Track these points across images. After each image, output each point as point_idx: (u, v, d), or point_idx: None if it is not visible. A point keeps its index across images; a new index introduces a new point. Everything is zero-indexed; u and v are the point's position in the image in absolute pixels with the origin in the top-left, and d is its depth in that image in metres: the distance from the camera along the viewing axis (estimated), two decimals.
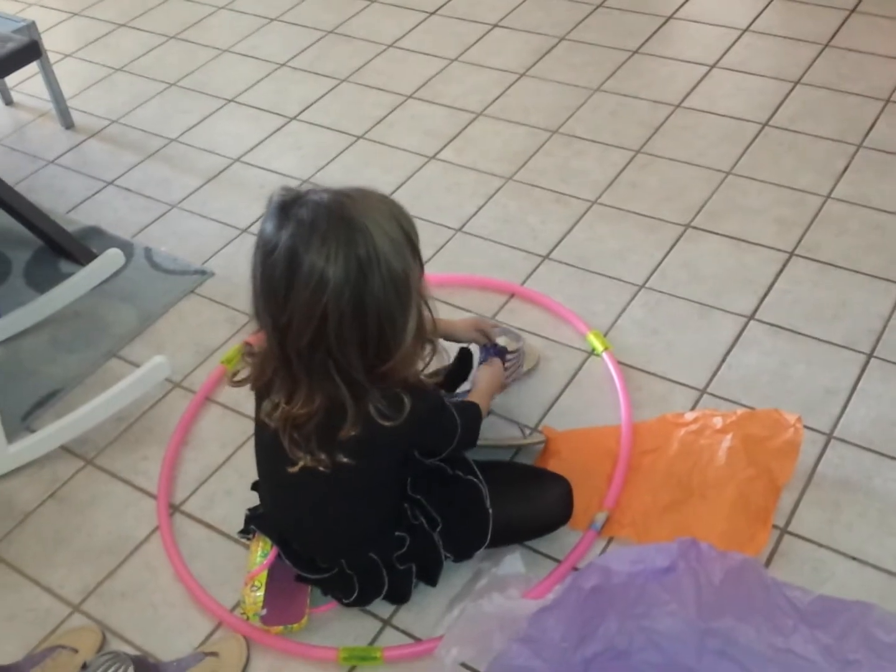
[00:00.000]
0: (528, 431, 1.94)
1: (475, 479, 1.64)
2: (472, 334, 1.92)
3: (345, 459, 1.43)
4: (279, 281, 1.29)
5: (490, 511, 1.63)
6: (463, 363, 1.91)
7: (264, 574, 1.60)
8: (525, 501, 1.70)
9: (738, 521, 1.72)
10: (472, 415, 1.70)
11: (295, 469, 1.44)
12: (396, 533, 1.62)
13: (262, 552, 1.63)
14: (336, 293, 1.26)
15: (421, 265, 1.40)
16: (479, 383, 1.83)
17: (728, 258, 2.29)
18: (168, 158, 2.85)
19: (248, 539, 1.72)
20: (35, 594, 1.79)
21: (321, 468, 1.43)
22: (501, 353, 1.92)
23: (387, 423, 1.38)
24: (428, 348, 1.46)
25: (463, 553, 1.68)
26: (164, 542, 1.82)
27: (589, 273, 2.29)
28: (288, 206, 1.30)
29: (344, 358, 1.32)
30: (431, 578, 1.67)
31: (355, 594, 1.62)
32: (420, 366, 1.46)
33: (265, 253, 1.30)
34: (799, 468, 1.79)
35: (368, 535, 1.62)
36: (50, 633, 1.72)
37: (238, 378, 1.50)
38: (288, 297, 1.29)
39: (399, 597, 1.67)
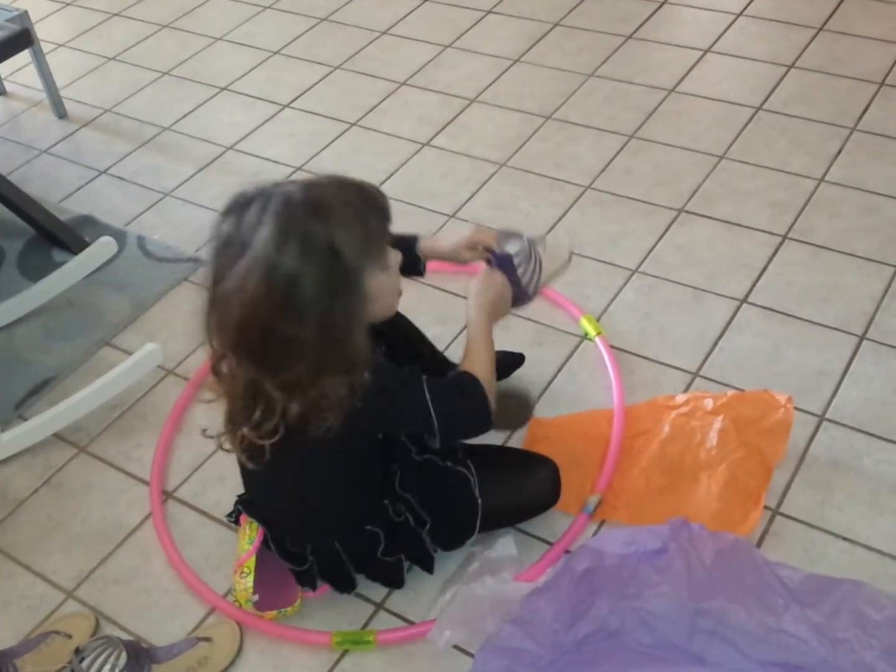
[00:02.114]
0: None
1: (464, 469, 1.64)
2: (465, 254, 1.67)
3: (275, 458, 1.43)
4: (220, 279, 1.32)
5: (479, 501, 1.63)
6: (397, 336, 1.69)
7: (252, 560, 1.60)
8: (512, 486, 1.70)
9: (730, 501, 1.72)
10: (466, 393, 1.51)
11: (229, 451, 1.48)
12: (367, 527, 1.61)
13: (248, 539, 1.62)
14: (254, 298, 1.28)
15: (375, 265, 1.37)
16: (469, 322, 1.58)
17: (721, 242, 2.29)
18: (161, 147, 2.85)
19: (234, 523, 1.72)
20: (29, 581, 1.79)
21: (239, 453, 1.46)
22: (503, 262, 1.61)
23: (305, 435, 1.38)
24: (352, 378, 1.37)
25: (452, 545, 1.68)
26: (156, 528, 1.83)
27: (582, 258, 2.29)
28: (242, 205, 1.31)
29: (256, 364, 1.34)
30: (426, 568, 1.67)
31: (327, 581, 1.65)
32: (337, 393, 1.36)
33: (214, 253, 1.33)
34: (791, 449, 1.80)
35: (331, 524, 1.61)
36: (44, 619, 1.72)
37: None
38: (222, 293, 1.32)
39: (392, 583, 1.68)
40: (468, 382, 1.51)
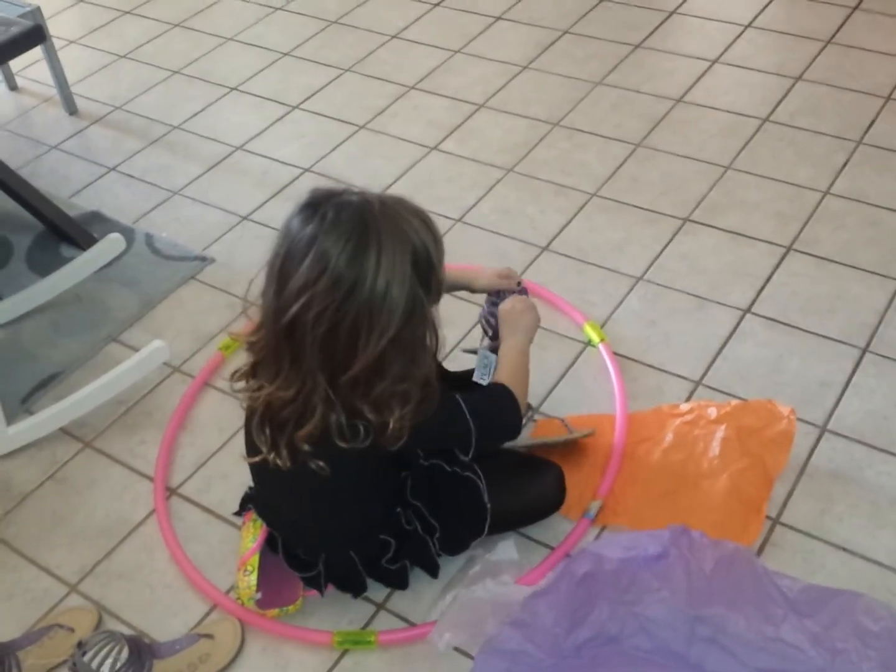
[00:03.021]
0: (570, 428, 1.88)
1: (472, 475, 1.65)
2: (495, 280, 1.77)
3: (309, 462, 1.43)
4: (293, 265, 1.32)
5: (488, 506, 1.64)
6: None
7: (256, 557, 1.61)
8: (519, 490, 1.71)
9: (731, 511, 1.73)
10: (500, 407, 1.57)
11: (254, 460, 1.47)
12: (381, 536, 1.62)
13: (252, 536, 1.63)
14: (326, 287, 1.29)
15: (436, 289, 1.40)
16: (511, 333, 1.68)
17: (726, 252, 2.30)
18: (170, 145, 2.86)
19: (241, 517, 1.73)
20: (33, 574, 1.80)
21: (278, 463, 1.44)
22: (524, 292, 1.78)
23: (340, 443, 1.39)
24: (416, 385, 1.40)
25: (459, 549, 1.69)
26: (160, 524, 1.84)
27: (587, 264, 2.31)
28: (316, 205, 1.33)
29: (313, 353, 1.33)
30: (431, 572, 1.68)
31: (336, 586, 1.66)
32: (398, 404, 1.39)
33: (290, 245, 1.33)
34: (792, 460, 1.81)
35: (348, 534, 1.62)
36: (47, 612, 1.73)
37: (237, 372, 1.51)
38: (292, 278, 1.32)
39: (396, 585, 1.69)
40: (503, 394, 1.57)
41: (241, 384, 1.48)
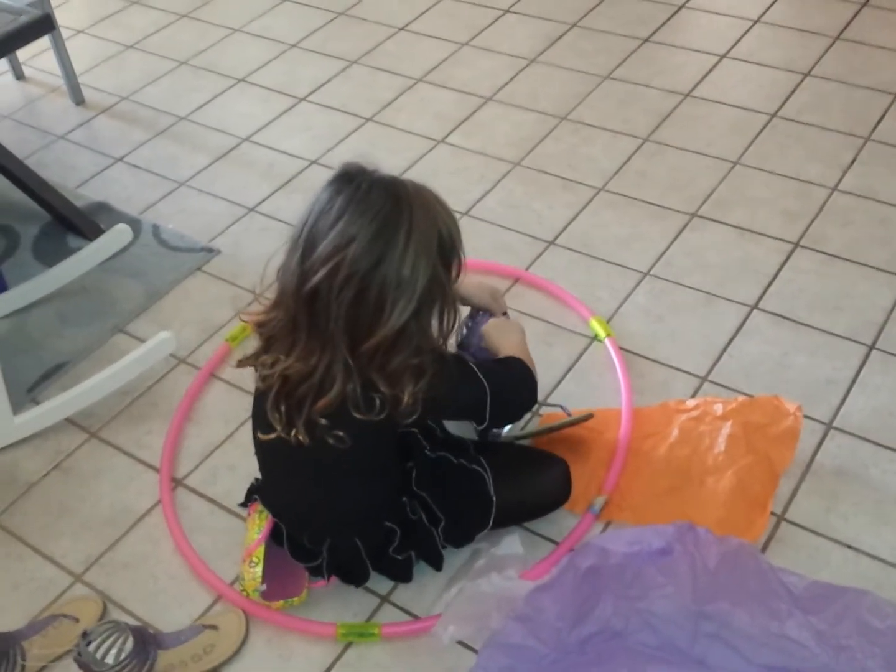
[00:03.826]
0: (569, 412, 1.88)
1: (479, 468, 1.65)
2: (487, 299, 1.83)
3: (327, 436, 1.43)
4: (322, 230, 1.35)
5: (494, 499, 1.64)
6: None
7: (262, 549, 1.62)
8: (525, 484, 1.71)
9: (736, 507, 1.73)
10: (514, 374, 1.63)
11: (268, 437, 1.46)
12: (386, 523, 1.62)
13: (258, 528, 1.63)
14: (356, 252, 1.32)
15: (456, 272, 1.44)
16: (504, 337, 1.73)
17: (733, 248, 2.30)
18: (177, 136, 2.86)
19: (246, 508, 1.73)
20: (38, 564, 1.80)
21: (295, 441, 1.44)
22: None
23: (357, 415, 1.40)
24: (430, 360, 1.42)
25: (463, 541, 1.69)
26: (165, 515, 1.84)
27: (594, 259, 2.30)
28: (351, 177, 1.36)
29: (336, 320, 1.35)
30: (435, 565, 1.68)
31: (339, 575, 1.66)
32: (412, 378, 1.41)
33: (321, 211, 1.36)
34: (798, 457, 1.81)
35: (354, 519, 1.62)
36: (52, 602, 1.74)
37: (242, 358, 1.52)
38: (321, 242, 1.34)
39: (401, 578, 1.69)
40: (517, 364, 1.64)
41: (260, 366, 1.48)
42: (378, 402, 1.40)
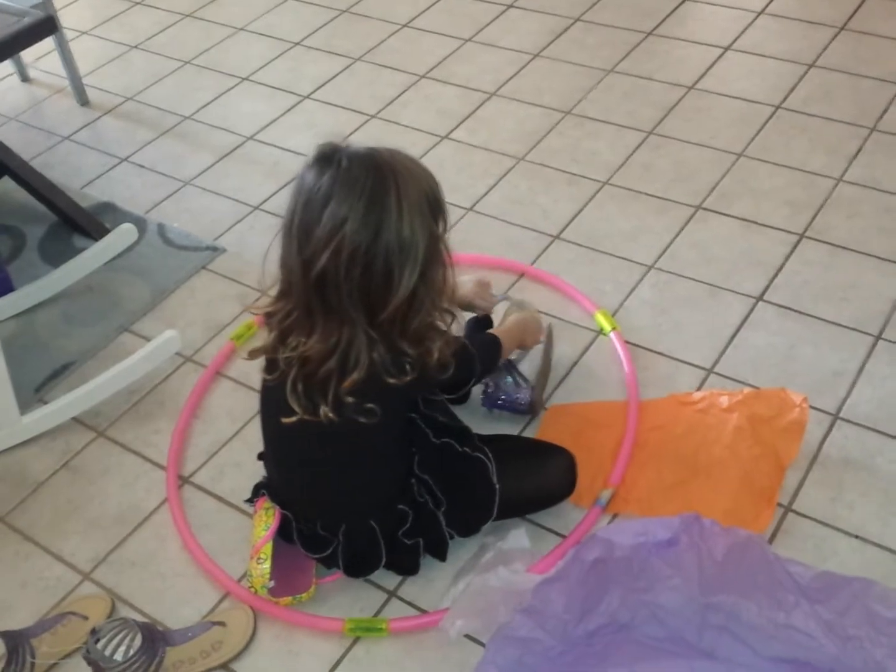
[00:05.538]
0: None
1: (482, 456, 1.65)
2: (469, 296, 1.91)
3: (355, 412, 1.44)
4: (314, 215, 1.37)
5: (497, 487, 1.64)
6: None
7: (269, 545, 1.62)
8: (530, 475, 1.71)
9: (743, 499, 1.73)
10: (493, 352, 1.77)
11: (291, 420, 1.47)
12: (399, 506, 1.63)
13: (265, 525, 1.64)
14: (354, 229, 1.34)
15: (443, 227, 1.46)
16: (508, 322, 1.89)
17: (738, 240, 2.30)
18: (182, 136, 2.87)
19: (253, 505, 1.73)
20: (47, 562, 1.81)
21: (320, 418, 1.45)
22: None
23: (390, 380, 1.42)
24: (445, 315, 1.50)
25: (468, 530, 1.69)
26: (172, 513, 1.85)
27: (599, 253, 2.30)
28: (329, 156, 1.38)
29: (350, 297, 1.38)
30: (440, 554, 1.68)
31: (352, 563, 1.65)
32: (435, 334, 1.48)
33: (308, 197, 1.38)
34: (804, 448, 1.80)
35: (370, 502, 1.63)
36: (61, 600, 1.75)
37: (254, 349, 1.53)
38: (316, 228, 1.36)
39: (407, 569, 1.69)
40: (495, 346, 1.78)
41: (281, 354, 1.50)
42: (408, 365, 1.44)
